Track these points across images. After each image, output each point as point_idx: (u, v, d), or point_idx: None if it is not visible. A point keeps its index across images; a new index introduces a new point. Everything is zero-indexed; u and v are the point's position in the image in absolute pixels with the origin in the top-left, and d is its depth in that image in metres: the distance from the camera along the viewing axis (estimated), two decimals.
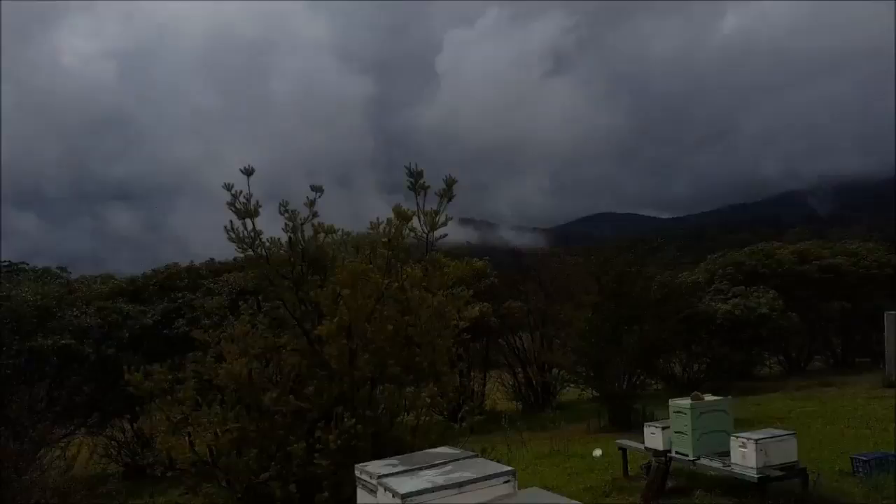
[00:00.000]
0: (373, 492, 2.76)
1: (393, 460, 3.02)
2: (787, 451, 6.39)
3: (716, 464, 6.74)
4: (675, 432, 7.33)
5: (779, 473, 6.23)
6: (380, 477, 2.72)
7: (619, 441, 8.62)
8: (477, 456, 3.02)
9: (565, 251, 25.97)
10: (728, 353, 18.61)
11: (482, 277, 18.80)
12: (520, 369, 20.25)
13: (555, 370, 18.79)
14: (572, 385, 17.09)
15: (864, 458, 6.79)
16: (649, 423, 7.89)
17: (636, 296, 14.68)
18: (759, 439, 6.29)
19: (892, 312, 17.03)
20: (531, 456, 10.66)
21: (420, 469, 2.80)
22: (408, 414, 5.13)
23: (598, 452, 9.85)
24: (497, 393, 19.66)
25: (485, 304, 17.57)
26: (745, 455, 6.35)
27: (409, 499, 2.47)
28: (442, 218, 5.04)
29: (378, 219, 5.13)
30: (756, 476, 6.17)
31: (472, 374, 18.61)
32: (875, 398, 13.36)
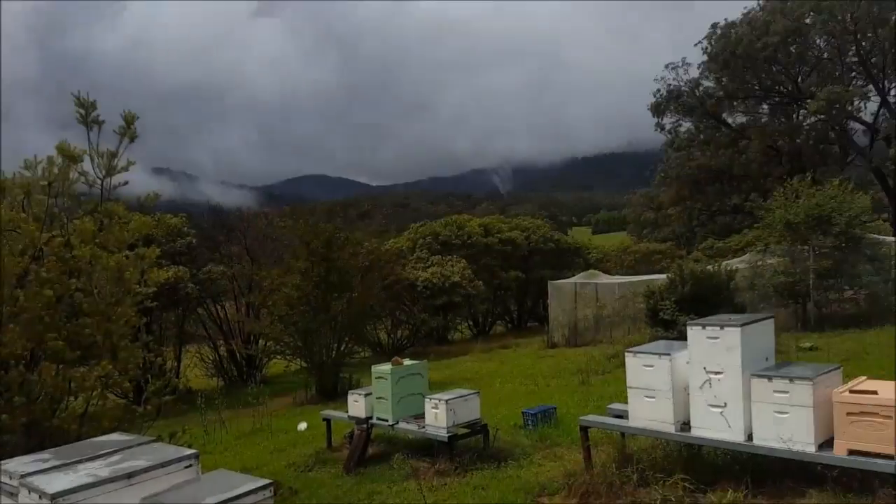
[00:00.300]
0: (13, 495, 2.29)
1: (45, 454, 2.56)
2: (471, 409, 6.89)
3: (412, 426, 6.98)
4: (377, 398, 7.43)
5: (465, 431, 6.67)
6: (23, 476, 2.25)
7: (323, 412, 8.50)
8: (154, 441, 2.77)
9: (275, 212, 25.25)
10: (427, 319, 20.01)
11: (177, 236, 17.13)
12: (222, 342, 19.01)
13: (261, 341, 18.10)
14: (279, 356, 16.54)
15: (532, 412, 7.70)
16: (353, 391, 7.91)
17: (345, 262, 14.72)
18: (449, 399, 6.64)
19: (554, 282, 20.02)
20: (232, 436, 10.07)
21: (80, 462, 2.40)
22: (76, 398, 4.35)
23: (302, 426, 9.64)
24: (195, 369, 18.13)
25: (180, 267, 16.01)
26: (437, 416, 6.68)
27: (60, 499, 2.09)
28: (122, 162, 4.20)
29: (37, 157, 4.07)
30: (447, 435, 6.50)
31: (163, 349, 16.91)
32: (541, 357, 15.53)
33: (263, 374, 18.35)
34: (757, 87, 31.38)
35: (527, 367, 13.95)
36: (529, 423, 7.62)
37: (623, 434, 5.67)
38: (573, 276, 20.70)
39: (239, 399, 14.00)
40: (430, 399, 6.79)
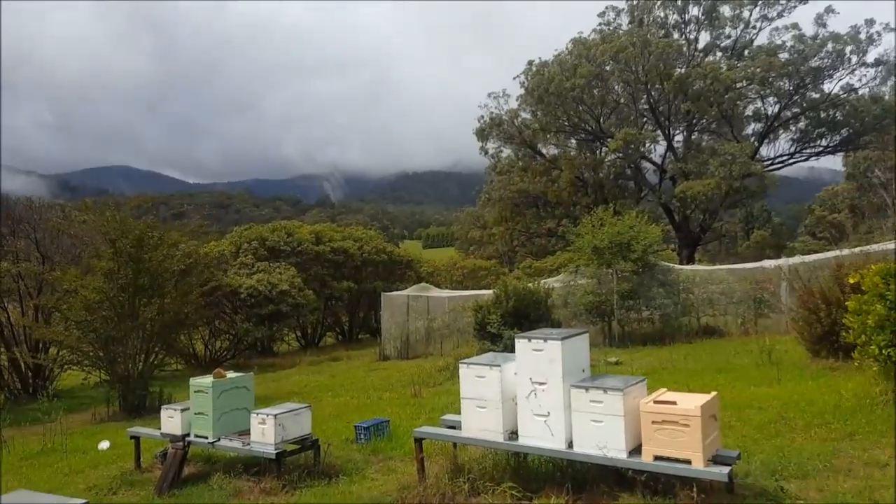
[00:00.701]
0: None
1: None
2: (302, 424, 6.66)
3: (235, 444, 6.59)
4: (196, 413, 6.91)
5: (295, 447, 6.42)
6: None
7: (130, 429, 7.70)
8: None
9: (72, 205, 22.62)
10: (251, 329, 18.87)
11: None
12: (3, 349, 16.50)
13: (53, 349, 16.00)
14: (75, 367, 14.60)
15: (364, 426, 7.62)
16: (167, 406, 7.28)
17: (158, 264, 13.55)
18: (278, 414, 6.37)
19: (387, 294, 20.11)
20: (15, 457, 8.73)
21: None
22: None
23: (104, 445, 8.64)
24: None
25: None
26: (264, 431, 6.37)
27: None
28: None
29: None
30: (274, 452, 6.21)
31: None
32: (373, 370, 15.43)
33: (55, 386, 16.15)
34: (566, 123, 34.22)
35: (358, 380, 13.80)
36: (362, 436, 7.53)
37: (455, 445, 5.80)
38: (405, 288, 20.94)
39: (25, 415, 12.30)
40: (258, 414, 6.46)
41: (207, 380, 6.98)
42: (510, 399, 5.71)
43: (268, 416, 6.37)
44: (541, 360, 5.44)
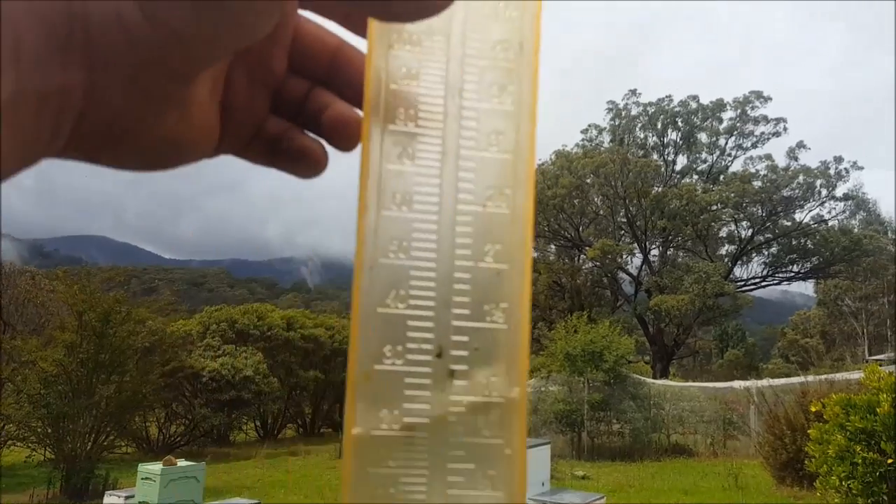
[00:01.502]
0: None
1: None
2: None
3: None
4: (140, 502, 6.60)
5: None
6: None
7: None
8: None
9: (43, 272, 22.31)
10: (209, 415, 18.03)
11: None
12: None
13: None
14: (21, 443, 13.79)
15: None
16: (111, 493, 6.97)
17: (122, 340, 13.24)
18: None
19: None
20: None
21: None
22: None
23: None
24: None
25: None
26: None
27: None
28: None
29: None
30: None
31: None
32: (331, 468, 14.80)
33: None
34: (546, 229, 35.12)
35: (315, 478, 13.24)
36: None
37: None
38: None
39: None
40: None
41: (156, 467, 6.75)
42: None
43: None
44: None
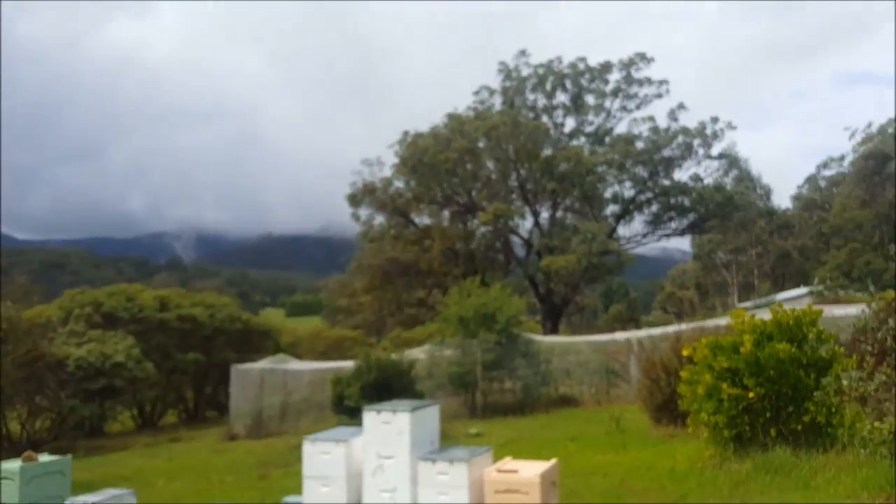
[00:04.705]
0: None
1: None
2: None
3: None
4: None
5: None
6: None
7: None
8: None
9: None
10: (78, 407, 16.64)
11: None
12: None
13: None
14: None
15: None
16: None
17: None
18: (94, 503, 5.74)
19: (238, 366, 18.78)
20: None
21: None
22: None
23: None
24: None
25: None
26: None
27: None
28: None
29: None
30: None
31: None
32: (219, 451, 14.24)
33: None
34: (439, 195, 35.08)
35: (200, 463, 12.69)
36: None
37: None
38: (261, 360, 19.80)
39: None
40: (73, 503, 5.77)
41: (15, 464, 6.19)
42: (356, 475, 5.47)
43: None
44: (389, 432, 5.30)
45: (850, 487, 5.54)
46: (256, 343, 25.17)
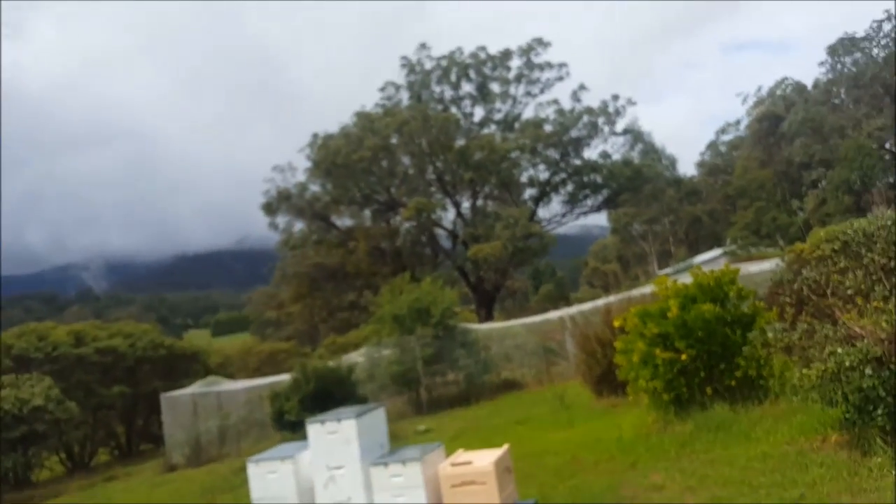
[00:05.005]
0: None
1: None
2: None
3: None
4: None
5: None
6: None
7: None
8: None
9: None
10: None
11: None
12: None
13: None
14: None
15: None
16: None
17: None
18: None
19: (168, 394, 18.02)
20: None
21: None
22: None
23: None
24: None
25: None
26: None
27: None
28: None
29: None
30: None
31: None
32: (158, 485, 13.59)
33: None
34: (358, 195, 34.64)
35: (141, 500, 12.10)
36: None
37: None
38: (191, 384, 19.03)
39: None
40: None
41: None
42: (308, 491, 5.30)
43: None
44: (336, 442, 5.16)
45: (788, 434, 5.82)
46: (184, 368, 24.23)
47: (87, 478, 17.22)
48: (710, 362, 7.32)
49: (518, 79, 35.76)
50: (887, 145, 41.91)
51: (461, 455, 5.25)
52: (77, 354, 20.74)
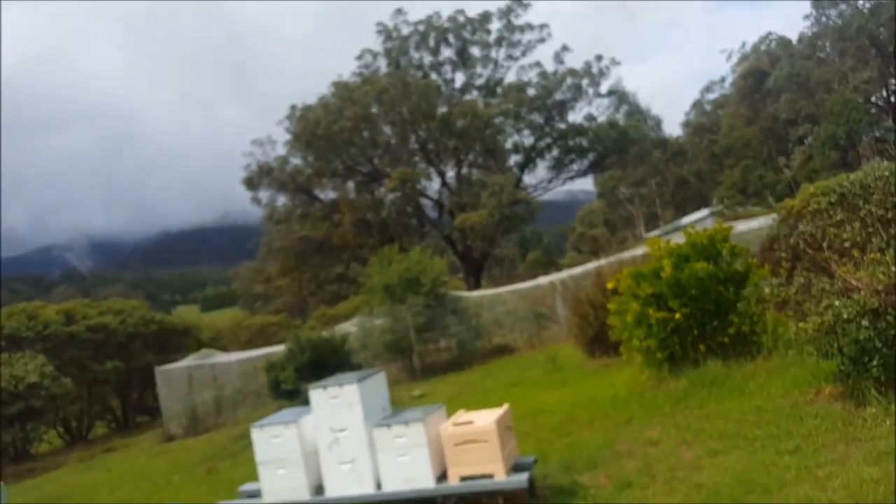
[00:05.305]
0: None
1: None
2: None
3: None
4: None
5: None
6: None
7: None
8: None
9: None
10: None
11: None
12: None
13: None
14: None
15: None
16: None
17: None
18: None
19: (163, 367, 18.16)
20: None
21: None
22: None
23: None
24: None
25: None
26: None
27: None
28: None
29: None
30: None
31: None
32: (158, 454, 13.76)
33: None
34: (340, 166, 34.11)
35: (141, 468, 12.22)
36: None
37: None
38: (184, 358, 19.13)
39: None
40: None
41: None
42: (312, 453, 5.41)
43: None
44: (338, 406, 5.26)
45: (782, 388, 5.95)
46: (176, 342, 24.33)
47: (86, 450, 17.40)
48: (703, 320, 7.43)
49: (499, 42, 35.02)
50: (873, 98, 41.99)
51: (462, 415, 5.35)
52: (68, 332, 20.87)
